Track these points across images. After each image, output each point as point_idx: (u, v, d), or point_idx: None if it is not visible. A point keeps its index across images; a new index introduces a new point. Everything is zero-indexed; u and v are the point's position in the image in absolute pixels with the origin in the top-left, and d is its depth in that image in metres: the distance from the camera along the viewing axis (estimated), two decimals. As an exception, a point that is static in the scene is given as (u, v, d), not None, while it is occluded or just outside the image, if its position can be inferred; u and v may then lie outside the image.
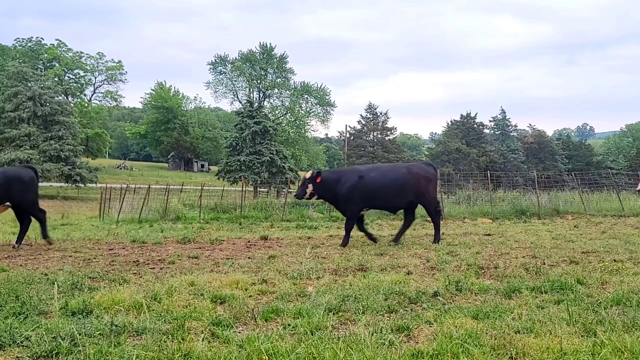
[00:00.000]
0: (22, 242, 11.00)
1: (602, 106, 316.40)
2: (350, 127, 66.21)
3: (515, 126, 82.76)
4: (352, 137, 64.86)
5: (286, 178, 43.91)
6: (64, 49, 71.43)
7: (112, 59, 75.91)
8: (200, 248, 10.70)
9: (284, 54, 74.42)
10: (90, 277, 6.91)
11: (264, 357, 3.82)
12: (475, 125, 69.43)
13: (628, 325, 4.45)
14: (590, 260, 7.96)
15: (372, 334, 4.24)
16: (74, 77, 73.69)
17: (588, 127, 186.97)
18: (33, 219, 11.31)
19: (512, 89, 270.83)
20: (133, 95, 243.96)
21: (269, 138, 50.35)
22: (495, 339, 4.16)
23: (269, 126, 51.20)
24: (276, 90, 76.01)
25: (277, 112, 75.41)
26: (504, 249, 9.63)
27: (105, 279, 6.87)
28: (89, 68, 74.07)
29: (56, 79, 63.54)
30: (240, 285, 6.27)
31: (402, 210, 11.75)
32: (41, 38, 70.71)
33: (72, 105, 58.97)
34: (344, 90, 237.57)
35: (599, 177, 26.39)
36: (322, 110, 75.87)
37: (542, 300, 5.44)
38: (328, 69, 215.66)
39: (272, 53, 74.13)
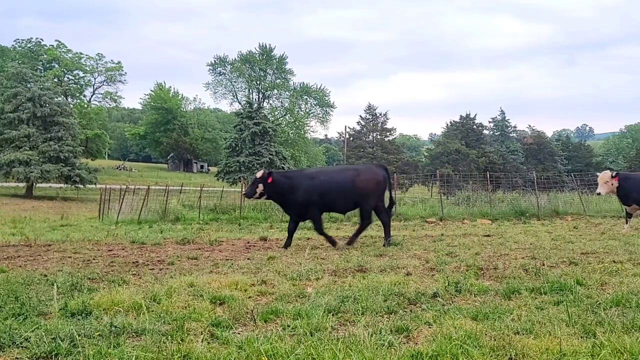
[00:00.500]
0: (22, 244, 10.98)
1: (601, 107, 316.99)
2: (350, 128, 66.32)
3: (515, 127, 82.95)
4: (351, 138, 64.88)
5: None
6: (63, 49, 71.46)
7: (112, 60, 76.05)
8: (199, 249, 10.70)
9: (283, 54, 74.63)
10: (89, 278, 6.91)
11: (263, 358, 3.82)
12: (474, 126, 69.49)
13: (627, 326, 4.45)
14: (589, 261, 7.96)
15: (372, 335, 4.24)
16: (73, 78, 73.71)
17: (587, 128, 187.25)
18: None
19: (512, 89, 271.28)
20: (132, 96, 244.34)
21: (268, 139, 50.41)
22: (495, 340, 4.16)
23: (269, 127, 51.26)
24: (275, 91, 76.15)
25: (276, 113, 75.53)
26: (504, 250, 9.63)
27: (105, 280, 6.87)
28: (88, 69, 74.10)
29: (56, 79, 63.56)
30: (240, 286, 6.27)
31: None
32: (41, 39, 70.79)
33: (71, 106, 58.98)
34: (344, 90, 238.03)
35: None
36: (322, 111, 76.03)
37: (542, 301, 5.44)
38: (328, 69, 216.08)
39: (272, 54, 74.27)
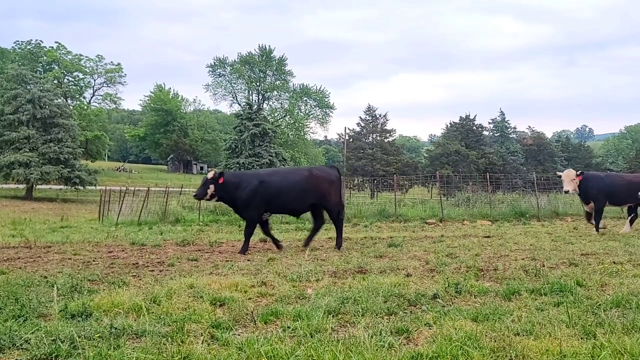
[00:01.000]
0: (22, 246, 10.98)
1: (601, 108, 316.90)
2: (350, 129, 66.31)
3: (515, 128, 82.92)
4: (351, 139, 64.89)
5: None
6: (63, 51, 71.54)
7: (111, 62, 76.14)
8: (199, 250, 10.70)
9: (283, 56, 74.66)
10: (89, 280, 6.90)
11: (263, 359, 3.82)
12: (474, 127, 69.51)
13: (627, 327, 4.46)
14: (589, 262, 7.96)
15: (372, 337, 4.24)
16: (73, 79, 73.76)
17: (587, 129, 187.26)
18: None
19: (511, 90, 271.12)
20: (132, 98, 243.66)
21: (268, 140, 50.44)
22: (495, 341, 4.16)
23: (268, 128, 51.30)
24: (275, 92, 76.22)
25: (276, 114, 75.58)
26: (504, 251, 9.64)
27: (105, 281, 6.87)
28: (88, 70, 74.17)
29: (55, 81, 63.58)
30: (240, 288, 6.27)
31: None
32: (40, 41, 70.86)
33: (71, 107, 59.05)
34: (344, 91, 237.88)
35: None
36: (321, 113, 76.08)
37: (542, 303, 5.44)
38: (328, 70, 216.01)
39: (271, 55, 74.31)
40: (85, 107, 73.32)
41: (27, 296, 5.67)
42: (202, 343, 4.22)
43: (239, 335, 4.52)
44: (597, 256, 8.67)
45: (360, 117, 65.19)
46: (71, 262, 8.92)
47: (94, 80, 75.99)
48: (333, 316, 4.99)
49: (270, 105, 76.96)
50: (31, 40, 70.48)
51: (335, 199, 11.03)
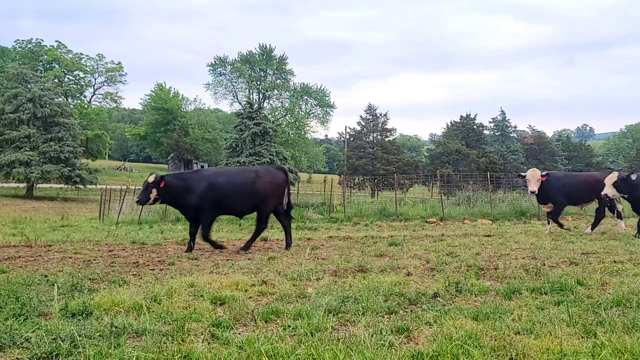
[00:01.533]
0: (23, 245, 10.98)
1: (602, 107, 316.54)
2: (350, 128, 66.24)
3: (515, 127, 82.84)
4: (351, 139, 64.85)
5: (286, 179, 43.89)
6: (63, 50, 71.53)
7: (112, 61, 76.14)
8: (200, 249, 10.70)
9: (283, 55, 74.60)
10: (90, 279, 6.91)
11: (263, 358, 3.82)
12: (475, 127, 69.48)
13: (628, 326, 4.45)
14: (590, 261, 7.96)
15: (372, 335, 4.24)
16: (73, 78, 73.78)
17: (588, 128, 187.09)
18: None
19: (512, 89, 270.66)
20: (133, 97, 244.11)
21: (268, 139, 50.43)
22: (495, 340, 4.16)
23: (269, 127, 51.28)
24: (276, 91, 76.20)
25: (276, 113, 75.57)
26: (504, 250, 9.63)
27: (105, 280, 6.87)
28: (88, 69, 74.16)
29: (56, 80, 63.61)
30: (240, 287, 6.28)
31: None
32: (41, 40, 70.85)
33: (72, 106, 59.08)
34: (344, 91, 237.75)
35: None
36: (322, 112, 76.03)
37: (542, 302, 5.44)
38: (328, 70, 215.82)
39: (272, 54, 74.27)
40: (86, 106, 73.36)
41: (27, 295, 5.67)
42: (203, 342, 4.22)
43: (239, 334, 4.52)
44: (597, 255, 8.66)
45: (360, 117, 65.16)
46: (72, 261, 8.93)
47: (95, 79, 76.08)
48: (333, 315, 4.99)
49: (270, 104, 76.99)
50: (32, 39, 70.55)
51: (282, 201, 10.90)
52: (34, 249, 10.72)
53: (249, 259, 9.11)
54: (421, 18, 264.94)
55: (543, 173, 13.50)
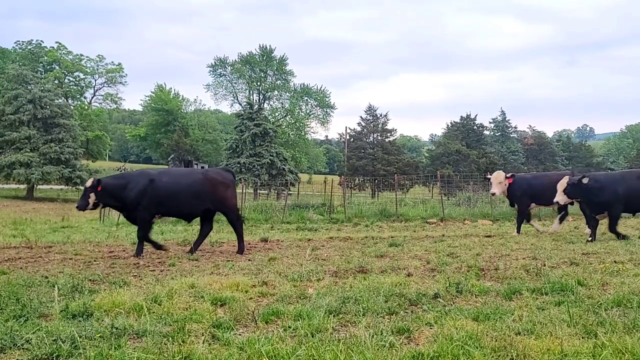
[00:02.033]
0: (23, 246, 10.97)
1: (602, 107, 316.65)
2: (350, 129, 66.19)
3: (515, 127, 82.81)
4: (352, 139, 64.82)
5: (286, 180, 43.88)
6: (64, 51, 71.47)
7: (112, 62, 76.01)
8: (200, 250, 10.69)
9: (283, 55, 74.54)
10: (90, 280, 6.91)
11: (264, 359, 3.82)
12: (475, 127, 69.44)
13: (629, 326, 4.45)
14: (590, 262, 7.95)
15: (373, 336, 4.24)
16: (74, 79, 73.71)
17: (588, 128, 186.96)
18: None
19: (512, 90, 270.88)
20: (133, 98, 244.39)
21: (268, 140, 50.39)
22: (496, 340, 4.16)
23: (269, 128, 51.25)
24: (276, 92, 76.16)
25: (277, 114, 75.53)
26: (505, 251, 9.63)
27: (106, 281, 6.87)
28: (89, 70, 74.09)
29: (56, 81, 63.57)
30: (241, 288, 6.28)
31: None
32: (41, 41, 70.73)
33: (72, 107, 59.04)
34: (345, 91, 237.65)
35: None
36: (322, 112, 75.96)
37: (543, 302, 5.44)
38: (329, 70, 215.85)
39: (272, 55, 74.26)
40: (86, 107, 73.31)
41: (28, 296, 5.67)
42: (203, 343, 4.22)
43: (240, 335, 4.52)
44: (598, 255, 8.65)
45: (361, 117, 65.10)
46: (72, 262, 8.93)
47: (95, 81, 75.95)
48: (334, 316, 4.99)
49: (271, 105, 76.92)
50: (32, 40, 70.39)
51: (231, 202, 10.72)
52: (34, 250, 10.73)
53: (249, 260, 9.11)
54: (421, 18, 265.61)
55: (508, 175, 13.54)
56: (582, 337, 4.28)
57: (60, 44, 71.20)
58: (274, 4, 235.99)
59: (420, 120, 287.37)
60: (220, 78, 77.03)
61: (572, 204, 12.78)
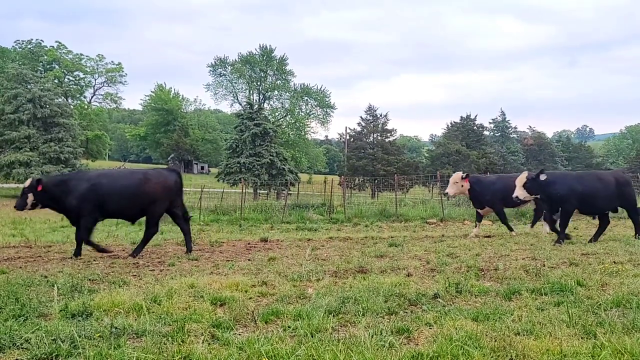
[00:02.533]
0: (22, 245, 10.95)
1: (602, 108, 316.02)
2: (350, 129, 66.21)
3: (515, 128, 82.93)
4: (352, 139, 64.83)
5: (286, 180, 43.88)
6: (63, 51, 71.50)
7: (112, 61, 76.06)
8: (200, 250, 10.70)
9: (283, 55, 74.58)
10: (90, 280, 6.91)
11: (264, 359, 3.82)
12: (475, 127, 69.48)
13: (628, 327, 4.46)
14: (590, 262, 7.96)
15: (372, 336, 4.24)
16: (73, 79, 73.73)
17: (588, 129, 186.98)
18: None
19: (512, 90, 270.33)
20: (133, 97, 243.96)
21: (268, 140, 50.39)
22: (495, 340, 4.16)
23: (269, 128, 51.24)
24: (276, 92, 76.20)
25: (277, 114, 75.54)
26: (504, 251, 9.64)
27: (105, 281, 6.87)
28: (88, 70, 74.12)
29: (56, 81, 63.56)
30: (240, 287, 6.28)
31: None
32: (41, 40, 70.75)
33: (72, 107, 59.07)
34: (345, 91, 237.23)
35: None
36: (322, 112, 76.00)
37: (542, 302, 5.44)
38: (329, 70, 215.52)
39: (272, 55, 74.27)
40: (86, 107, 73.33)
41: (27, 296, 5.68)
42: (203, 343, 4.22)
43: (239, 334, 4.52)
44: (597, 256, 8.66)
45: (361, 117, 65.09)
46: (71, 262, 8.93)
47: (95, 80, 76.00)
48: (334, 316, 4.99)
49: (271, 105, 76.95)
50: (32, 39, 70.42)
51: (177, 204, 10.51)
52: (33, 250, 10.73)
53: (249, 260, 9.11)
54: (422, 18, 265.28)
55: (463, 175, 13.51)
56: (582, 338, 4.28)
57: (60, 43, 71.27)
58: (274, 4, 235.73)
59: (420, 121, 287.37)
60: (220, 78, 77.08)
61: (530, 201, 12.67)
